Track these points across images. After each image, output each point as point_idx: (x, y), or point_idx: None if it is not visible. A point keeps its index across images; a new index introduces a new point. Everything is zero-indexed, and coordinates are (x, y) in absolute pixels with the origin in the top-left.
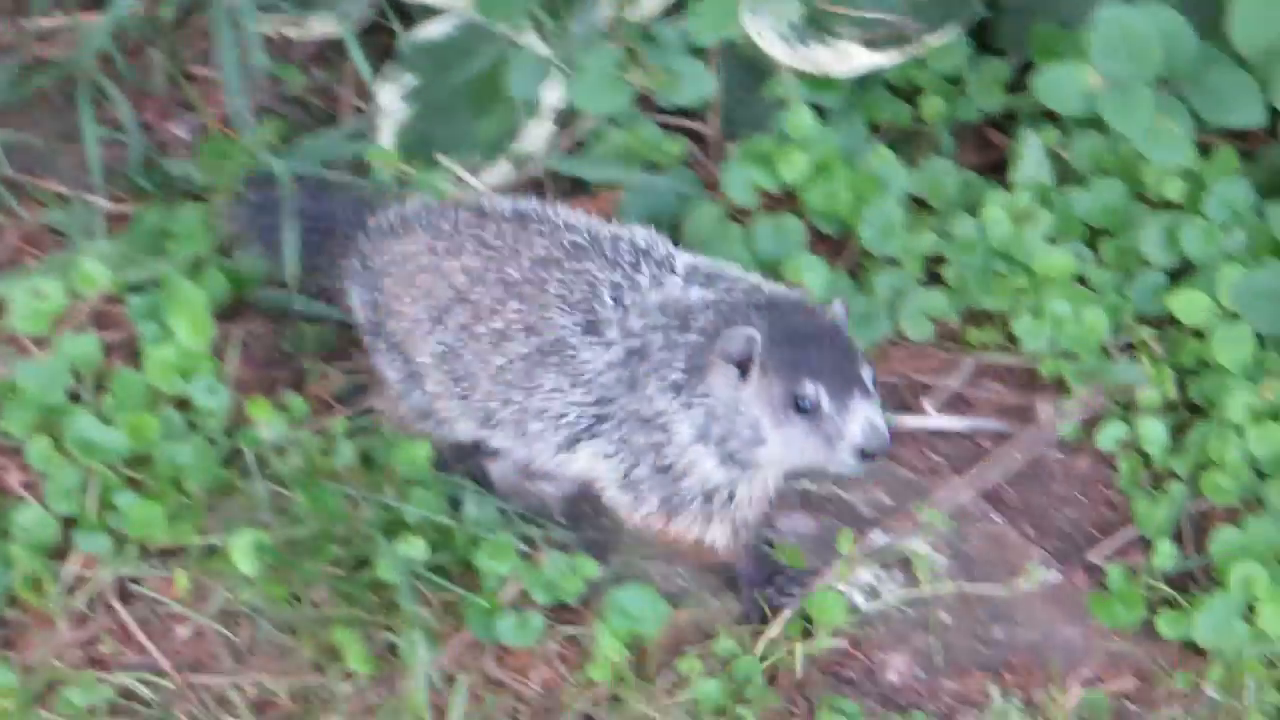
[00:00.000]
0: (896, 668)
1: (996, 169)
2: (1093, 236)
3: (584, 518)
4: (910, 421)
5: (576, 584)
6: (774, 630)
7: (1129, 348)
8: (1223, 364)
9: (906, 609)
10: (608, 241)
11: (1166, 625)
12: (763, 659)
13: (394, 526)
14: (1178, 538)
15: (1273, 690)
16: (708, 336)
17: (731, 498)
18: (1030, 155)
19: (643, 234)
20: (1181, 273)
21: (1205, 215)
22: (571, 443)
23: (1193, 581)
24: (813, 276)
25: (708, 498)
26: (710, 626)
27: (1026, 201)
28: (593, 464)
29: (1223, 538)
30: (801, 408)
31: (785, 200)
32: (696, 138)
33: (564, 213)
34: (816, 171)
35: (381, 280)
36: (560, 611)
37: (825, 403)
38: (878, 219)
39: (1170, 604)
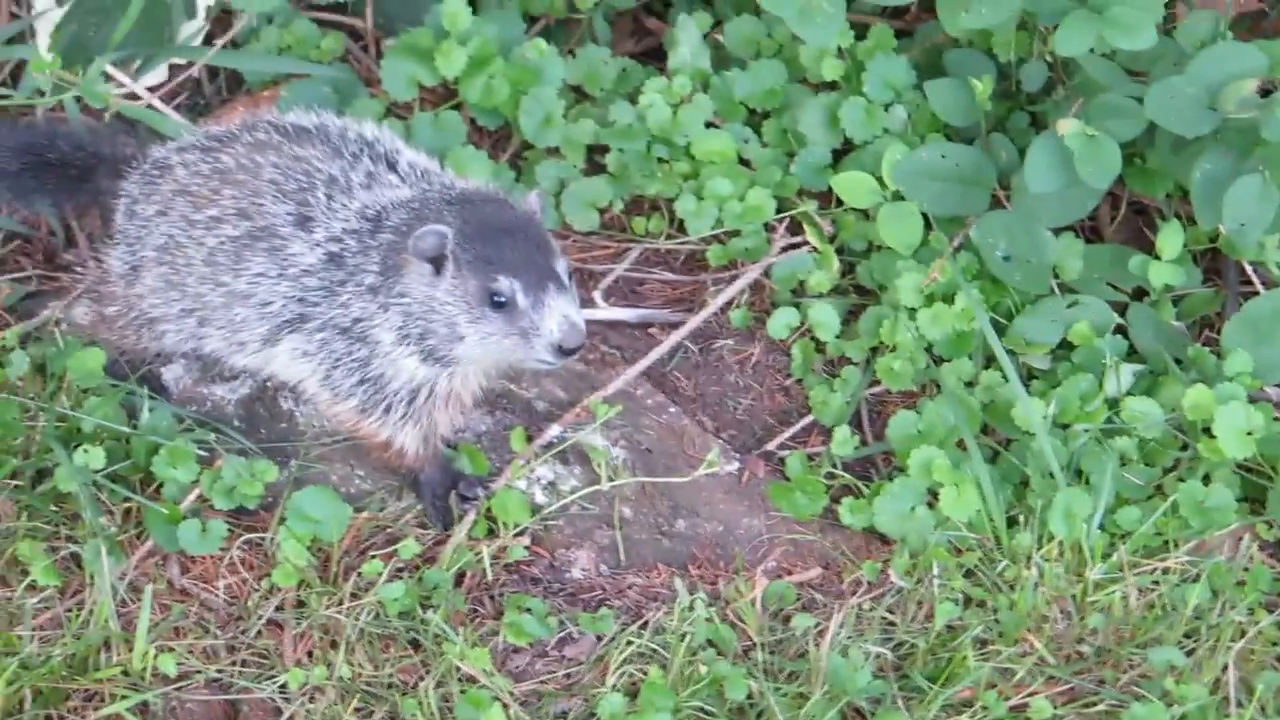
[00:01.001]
0: (581, 564)
1: (654, 55)
2: (753, 118)
3: (261, 421)
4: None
5: (256, 488)
6: (459, 537)
7: (794, 226)
8: (890, 245)
9: (588, 505)
10: (334, 129)
11: (848, 513)
12: (449, 568)
13: (72, 436)
14: (856, 424)
15: (959, 575)
16: (401, 235)
17: (431, 396)
18: (686, 40)
19: (372, 127)
20: (844, 153)
21: (864, 94)
22: (275, 334)
23: (874, 469)
24: (474, 169)
25: (410, 398)
26: (394, 528)
27: (684, 86)
28: (292, 361)
29: (900, 423)
30: (497, 303)
31: (445, 94)
32: (353, 33)
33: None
34: (474, 64)
35: (137, 191)
36: (242, 517)
37: (520, 298)
38: (537, 110)
39: (852, 491)
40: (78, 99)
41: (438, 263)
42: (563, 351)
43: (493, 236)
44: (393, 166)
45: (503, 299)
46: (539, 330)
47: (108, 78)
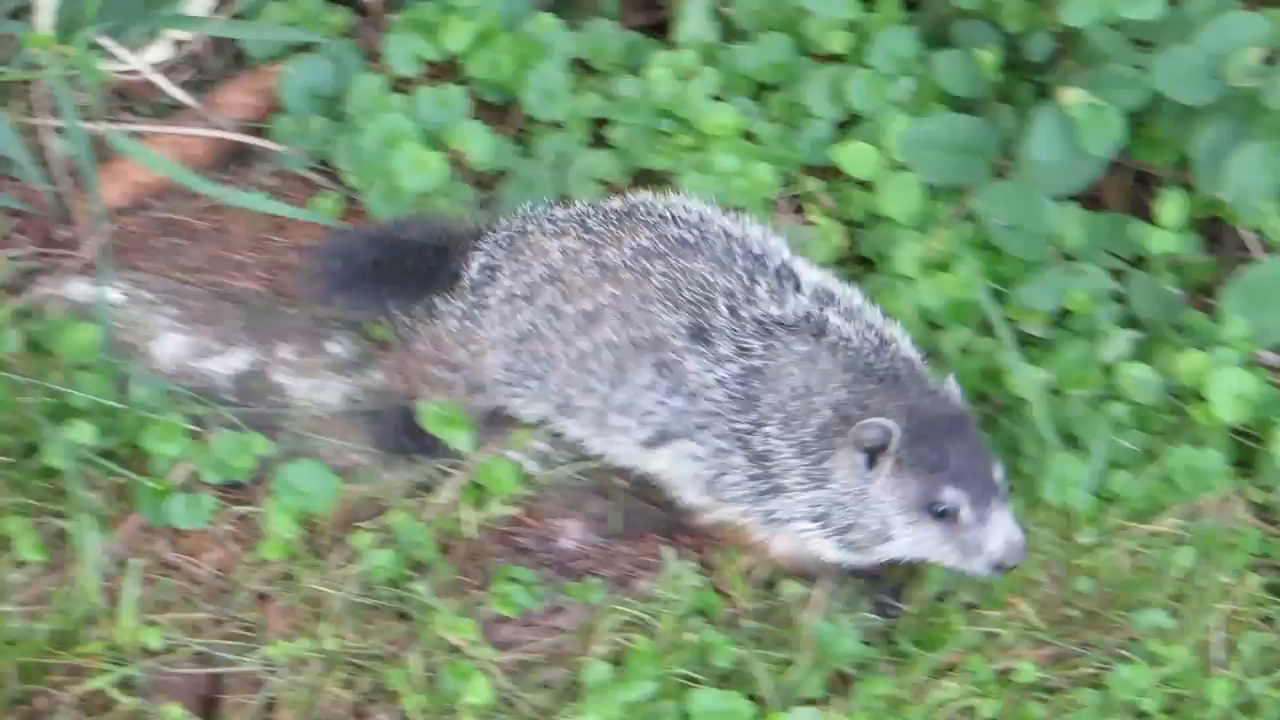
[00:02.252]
0: (571, 534)
1: (660, 29)
2: (759, 92)
3: (253, 395)
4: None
5: (247, 462)
6: (443, 496)
7: (798, 203)
8: (891, 215)
9: (581, 476)
10: (719, 240)
11: None
12: (432, 525)
13: (61, 412)
14: None
15: None
16: (839, 416)
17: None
18: (693, 13)
19: (757, 236)
20: (849, 125)
21: (871, 66)
22: (658, 440)
23: None
24: (477, 144)
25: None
26: (383, 500)
27: (690, 59)
28: (675, 464)
29: None
30: (938, 513)
31: (448, 69)
32: (358, 7)
33: (674, 203)
34: (479, 39)
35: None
36: (231, 491)
37: (965, 512)
38: (541, 84)
39: None
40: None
41: (874, 454)
42: (1000, 570)
43: (937, 437)
44: (796, 285)
45: (945, 510)
46: (982, 548)
47: (108, 54)
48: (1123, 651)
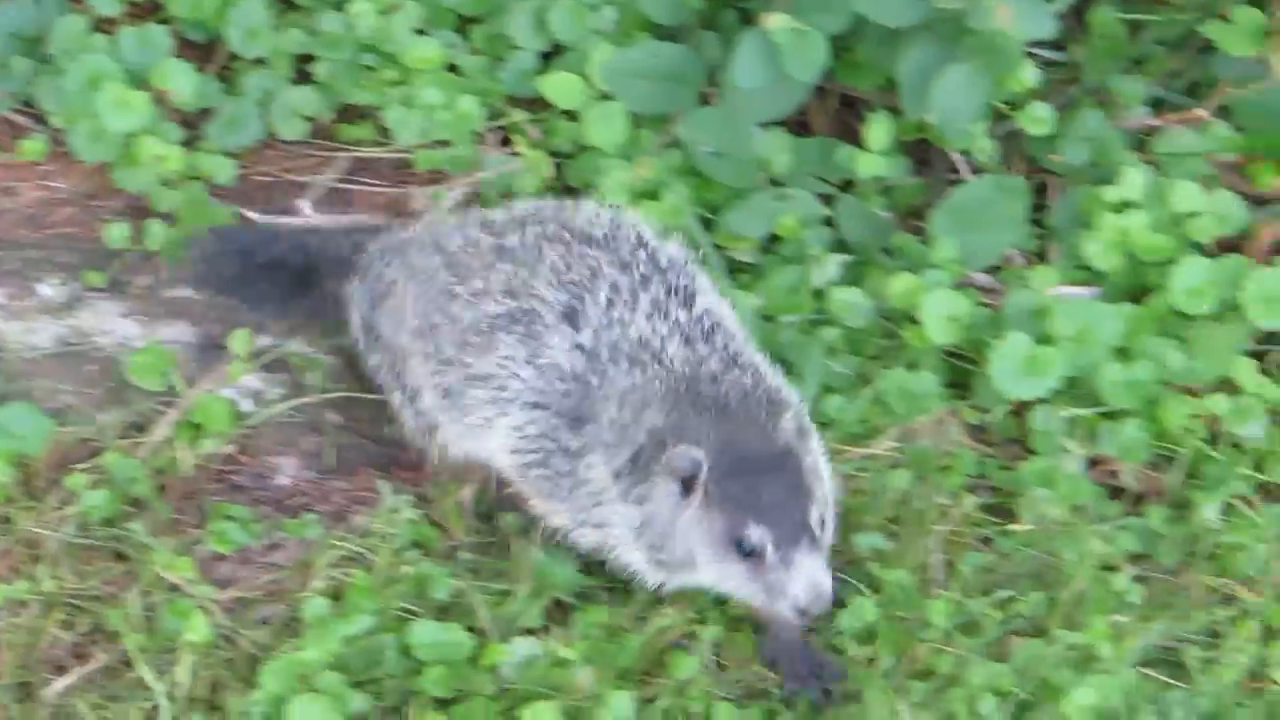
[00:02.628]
0: (287, 471)
1: None
2: (462, 25)
3: None
4: (288, 223)
5: None
6: (157, 435)
7: (505, 135)
8: (597, 145)
9: (295, 413)
10: (626, 242)
11: None
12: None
13: None
14: None
15: None
16: (654, 441)
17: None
18: None
19: (671, 253)
20: (553, 56)
21: None
22: (499, 414)
23: None
24: (181, 82)
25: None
26: (98, 441)
27: None
28: (503, 446)
29: None
30: (744, 550)
31: (150, 9)
32: None
33: (588, 206)
34: None
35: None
36: None
37: (770, 553)
38: (243, 21)
39: None
40: None
41: (688, 485)
42: (804, 615)
43: (749, 473)
44: (687, 304)
45: (750, 549)
46: (785, 591)
47: None
48: (841, 575)
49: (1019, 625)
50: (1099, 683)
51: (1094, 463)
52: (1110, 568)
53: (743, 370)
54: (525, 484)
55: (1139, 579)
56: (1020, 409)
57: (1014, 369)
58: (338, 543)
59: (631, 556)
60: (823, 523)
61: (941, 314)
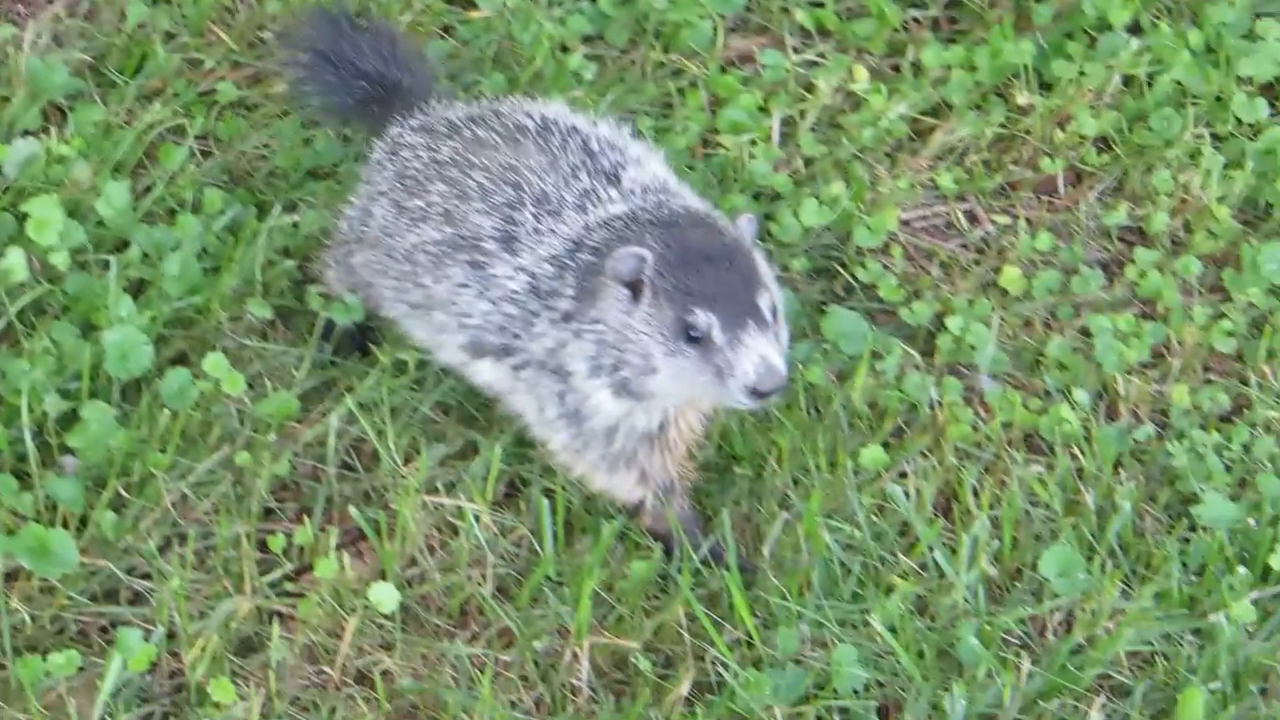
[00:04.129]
0: None
1: None
2: None
3: None
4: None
5: None
6: None
7: None
8: None
9: None
10: (556, 134)
11: None
12: None
13: None
14: None
15: None
16: (600, 257)
17: (630, 435)
18: None
19: (603, 134)
20: None
21: None
22: (477, 352)
23: None
24: None
25: (609, 437)
26: None
27: None
28: (502, 388)
29: None
30: (692, 338)
31: None
32: None
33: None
34: None
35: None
36: None
37: (716, 334)
38: None
39: None
40: None
41: (636, 288)
42: (758, 394)
43: (695, 264)
44: (614, 181)
45: (698, 334)
46: (733, 370)
47: None
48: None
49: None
50: None
51: None
52: (566, 49)
53: (670, 196)
54: (539, 426)
55: (592, 58)
56: None
57: None
58: None
59: (600, 399)
60: (774, 310)
61: None
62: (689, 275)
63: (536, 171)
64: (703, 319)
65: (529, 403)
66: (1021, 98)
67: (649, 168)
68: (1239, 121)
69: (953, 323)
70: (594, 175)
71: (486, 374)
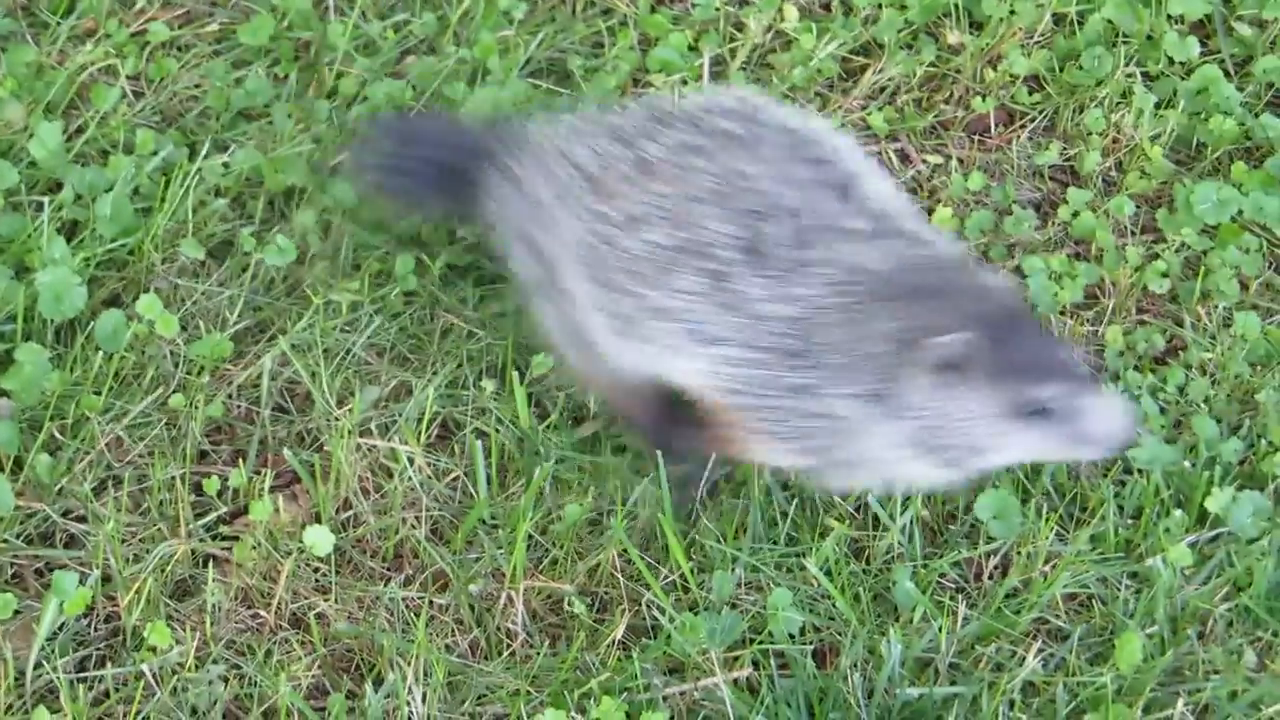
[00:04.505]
0: None
1: None
2: None
3: None
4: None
5: None
6: None
7: None
8: None
9: None
10: (769, 138)
11: None
12: None
13: None
14: None
15: None
16: (899, 345)
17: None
18: None
19: (823, 137)
20: None
21: None
22: (702, 342)
23: None
24: None
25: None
26: None
27: None
28: (702, 381)
29: None
30: (1032, 413)
31: None
32: None
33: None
34: None
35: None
36: None
37: (1060, 407)
38: None
39: None
40: None
41: (956, 372)
42: (1119, 446)
43: (1009, 335)
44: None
45: (1040, 410)
46: (1092, 438)
47: None
48: None
49: (413, 45)
50: (489, 95)
51: None
52: None
53: (924, 244)
54: (741, 422)
55: None
56: None
57: None
58: None
59: (912, 471)
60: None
61: None
62: (1008, 351)
63: (773, 182)
64: (1046, 393)
65: (767, 425)
66: (952, 37)
67: (876, 181)
68: (1170, 60)
69: None
70: (833, 193)
71: (701, 365)
